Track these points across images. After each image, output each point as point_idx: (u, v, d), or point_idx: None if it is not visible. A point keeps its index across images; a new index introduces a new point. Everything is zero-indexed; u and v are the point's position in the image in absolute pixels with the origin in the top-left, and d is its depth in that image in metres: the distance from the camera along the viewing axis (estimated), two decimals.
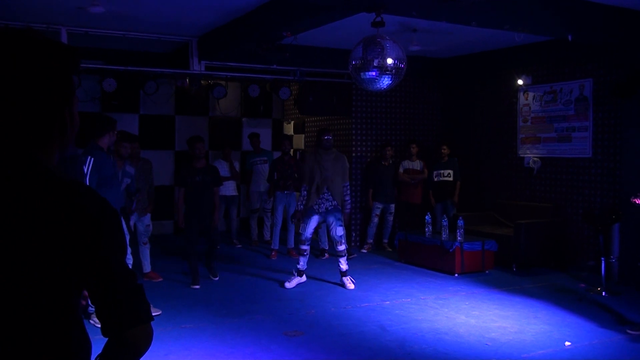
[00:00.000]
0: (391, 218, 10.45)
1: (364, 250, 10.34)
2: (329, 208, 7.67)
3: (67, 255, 1.31)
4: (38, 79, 1.34)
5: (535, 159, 9.63)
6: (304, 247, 7.75)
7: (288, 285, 7.73)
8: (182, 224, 7.67)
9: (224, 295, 7.37)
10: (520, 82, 9.82)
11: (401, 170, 10.48)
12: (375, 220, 10.36)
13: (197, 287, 7.65)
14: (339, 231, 7.70)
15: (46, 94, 1.35)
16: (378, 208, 10.36)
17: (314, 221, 7.72)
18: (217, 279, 8.07)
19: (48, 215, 1.30)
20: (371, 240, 10.45)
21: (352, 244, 10.70)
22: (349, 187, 7.83)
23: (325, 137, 7.73)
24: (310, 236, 7.77)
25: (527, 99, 9.83)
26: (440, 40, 9.18)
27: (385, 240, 10.54)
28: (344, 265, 7.75)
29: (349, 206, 7.84)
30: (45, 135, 1.37)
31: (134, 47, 9.85)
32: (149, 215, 7.85)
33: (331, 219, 7.72)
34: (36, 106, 1.34)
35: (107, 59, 9.45)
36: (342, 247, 7.73)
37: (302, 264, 7.81)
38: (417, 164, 10.49)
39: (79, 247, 1.32)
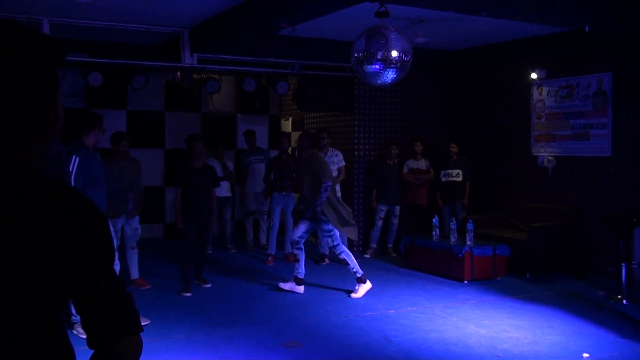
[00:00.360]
0: (396, 221, 10.45)
1: (367, 256, 10.33)
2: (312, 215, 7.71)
3: (50, 262, 1.30)
4: (19, 73, 1.33)
5: (550, 158, 9.62)
6: (295, 251, 7.90)
7: (282, 285, 7.85)
8: (182, 225, 7.78)
9: (217, 303, 7.37)
10: (533, 76, 9.82)
11: (405, 170, 10.48)
12: (380, 223, 10.36)
13: (189, 294, 7.68)
14: (329, 242, 7.80)
15: (28, 89, 1.35)
16: (382, 210, 10.36)
17: (302, 224, 7.80)
18: (209, 285, 8.09)
19: (28, 218, 1.29)
20: (375, 245, 10.44)
21: (355, 248, 10.70)
22: (327, 185, 7.53)
23: (298, 141, 7.93)
24: (298, 239, 7.79)
25: (541, 94, 9.83)
26: (448, 31, 9.18)
27: (390, 245, 10.54)
28: (358, 270, 7.69)
29: (318, 202, 7.54)
30: (24, 132, 1.37)
31: (122, 38, 9.84)
32: (137, 218, 7.85)
33: (319, 230, 7.89)
34: (16, 102, 1.34)
35: (92, 51, 9.44)
36: (342, 256, 7.75)
37: (300, 270, 7.83)
38: (422, 163, 10.49)
39: (63, 253, 1.31)
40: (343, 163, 9.80)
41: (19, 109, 1.35)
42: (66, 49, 1.44)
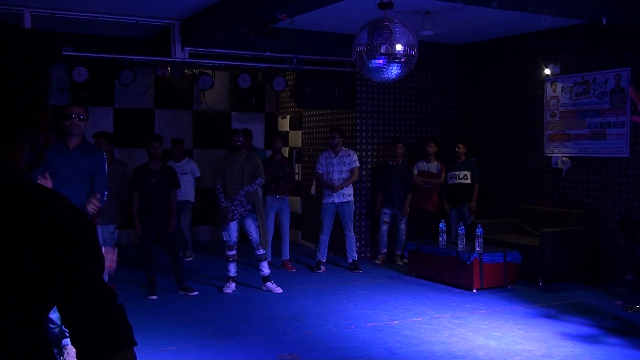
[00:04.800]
0: (403, 226, 10.40)
1: (378, 262, 10.40)
2: (244, 213, 8.32)
3: (36, 270, 1.31)
4: (17, 73, 1.35)
5: (565, 158, 9.63)
6: (231, 252, 8.42)
7: (227, 290, 8.36)
8: (140, 232, 8.04)
9: (210, 313, 7.38)
10: (547, 71, 9.83)
11: (415, 171, 10.48)
12: (384, 228, 10.35)
13: (155, 297, 7.93)
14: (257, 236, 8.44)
15: (26, 89, 1.37)
16: (386, 214, 10.34)
17: (234, 225, 8.38)
18: (196, 293, 8.19)
19: (10, 224, 1.30)
20: (385, 251, 10.46)
21: (363, 255, 10.72)
22: (260, 181, 8.42)
23: (235, 139, 8.44)
24: (236, 239, 8.44)
25: (555, 91, 9.84)
26: (456, 24, 9.19)
27: (398, 252, 10.48)
28: (265, 270, 8.44)
29: (253, 187, 8.32)
30: (20, 134, 1.39)
31: (108, 31, 9.85)
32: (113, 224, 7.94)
33: (249, 222, 8.36)
34: (15, 103, 1.36)
35: (77, 45, 9.45)
36: (261, 252, 8.37)
37: (233, 271, 8.45)
38: (433, 166, 10.47)
39: (49, 261, 1.32)
40: (356, 164, 9.83)
41: (17, 110, 1.37)
42: (59, 43, 1.45)
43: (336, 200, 9.74)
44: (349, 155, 9.83)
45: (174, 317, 7.19)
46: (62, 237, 1.33)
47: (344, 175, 9.73)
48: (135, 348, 1.42)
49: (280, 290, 8.39)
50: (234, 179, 8.32)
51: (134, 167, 8.45)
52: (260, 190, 8.49)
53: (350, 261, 9.85)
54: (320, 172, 9.86)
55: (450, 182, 10.32)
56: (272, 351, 6.01)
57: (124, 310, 1.43)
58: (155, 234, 8.14)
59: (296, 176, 11.44)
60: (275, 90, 10.75)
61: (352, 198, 9.89)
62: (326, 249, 9.86)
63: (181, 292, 8.19)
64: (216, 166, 8.54)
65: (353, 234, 9.91)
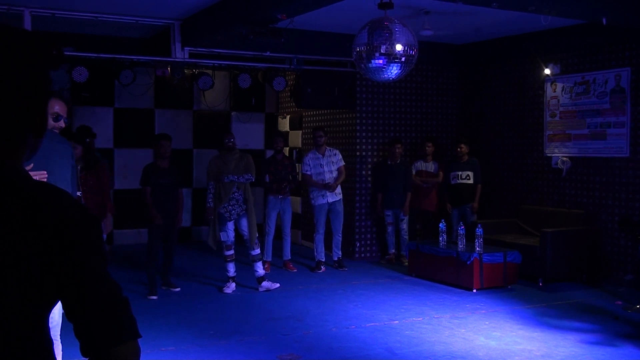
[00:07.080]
0: (405, 226, 10.39)
1: (383, 262, 10.48)
2: (240, 213, 8.37)
3: (36, 270, 1.32)
4: (15, 71, 1.36)
5: (565, 158, 9.64)
6: (229, 252, 8.42)
7: (227, 290, 8.35)
8: (160, 220, 8.05)
9: (210, 313, 7.39)
10: (547, 71, 9.84)
11: (413, 171, 10.48)
12: (389, 228, 10.40)
13: (155, 297, 7.96)
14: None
15: (25, 88, 1.38)
16: (388, 215, 10.36)
17: (231, 225, 8.37)
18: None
19: (14, 224, 1.31)
20: (393, 250, 10.49)
21: (369, 255, 10.73)
22: (249, 177, 8.41)
23: (226, 140, 8.51)
24: (234, 239, 8.39)
25: (555, 91, 9.84)
26: (456, 24, 9.20)
27: (402, 252, 10.48)
28: (260, 270, 8.47)
29: (240, 179, 8.34)
30: (19, 135, 1.40)
31: (108, 31, 9.86)
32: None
33: (244, 222, 8.39)
34: (11, 102, 1.36)
35: (77, 45, 9.45)
36: (256, 252, 8.38)
37: (232, 271, 8.43)
38: (430, 166, 10.49)
39: (49, 261, 1.33)
40: (342, 163, 9.86)
41: (16, 111, 1.37)
42: (60, 46, 1.46)
43: (330, 200, 9.77)
44: (335, 154, 9.89)
45: (174, 317, 7.20)
46: (60, 237, 1.34)
47: (334, 175, 9.76)
48: None
49: (278, 285, 8.47)
50: (230, 177, 8.41)
51: (134, 167, 8.47)
52: (249, 188, 8.48)
53: (336, 259, 9.93)
54: (309, 173, 9.86)
55: (452, 182, 10.30)
56: (272, 351, 6.02)
57: (128, 303, 1.44)
58: (163, 231, 8.17)
59: (297, 176, 11.45)
60: (275, 90, 10.75)
61: (342, 196, 9.92)
62: (323, 249, 9.87)
63: (163, 287, 8.29)
64: (210, 167, 8.55)
65: (341, 234, 9.98)
